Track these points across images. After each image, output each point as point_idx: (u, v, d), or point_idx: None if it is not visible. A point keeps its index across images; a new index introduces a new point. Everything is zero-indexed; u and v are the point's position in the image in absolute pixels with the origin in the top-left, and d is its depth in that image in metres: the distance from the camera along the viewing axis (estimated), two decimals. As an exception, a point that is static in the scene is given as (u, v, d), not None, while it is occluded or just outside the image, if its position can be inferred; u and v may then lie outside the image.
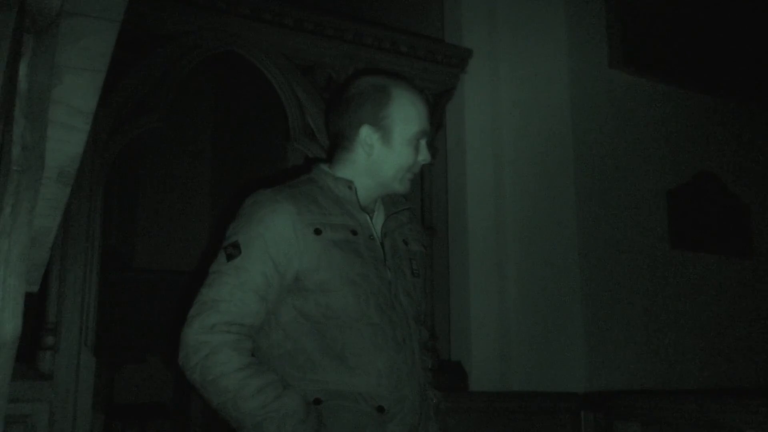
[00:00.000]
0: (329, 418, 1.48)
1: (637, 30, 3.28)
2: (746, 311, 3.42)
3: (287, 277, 1.51)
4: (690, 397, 2.08)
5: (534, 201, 3.12)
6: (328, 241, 1.53)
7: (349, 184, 1.61)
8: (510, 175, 3.19)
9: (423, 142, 1.65)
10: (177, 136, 4.99)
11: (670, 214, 3.22)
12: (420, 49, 3.09)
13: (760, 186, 3.58)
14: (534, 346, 2.97)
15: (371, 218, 1.64)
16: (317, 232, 1.53)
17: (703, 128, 3.45)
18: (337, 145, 1.68)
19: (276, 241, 1.51)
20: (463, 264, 3.14)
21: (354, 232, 1.57)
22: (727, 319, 3.35)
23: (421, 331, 1.69)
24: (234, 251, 1.51)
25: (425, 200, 3.07)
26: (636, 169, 3.18)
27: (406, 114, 1.62)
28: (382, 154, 1.61)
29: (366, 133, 1.61)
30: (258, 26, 2.75)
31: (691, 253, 3.28)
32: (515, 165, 3.18)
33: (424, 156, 1.64)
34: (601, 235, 3.02)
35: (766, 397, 1.83)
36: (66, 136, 1.02)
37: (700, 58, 3.48)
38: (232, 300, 1.48)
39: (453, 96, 3.22)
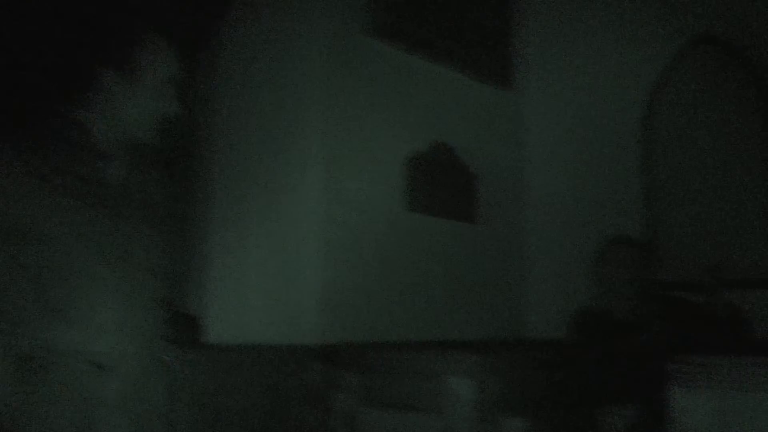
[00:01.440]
0: (40, 376, 1.41)
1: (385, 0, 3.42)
2: (470, 272, 3.77)
3: None
4: (406, 348, 2.26)
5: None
6: None
7: None
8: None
9: None
10: None
11: (407, 179, 3.45)
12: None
13: (487, 158, 3.93)
14: (270, 299, 3.04)
15: None
16: None
17: (443, 99, 3.70)
18: None
19: None
20: (202, 214, 3.12)
21: None
22: (453, 278, 3.67)
23: (152, 282, 1.66)
24: None
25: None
26: (378, 134, 3.35)
27: None
28: None
29: None
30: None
31: (425, 216, 3.54)
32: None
33: None
34: (343, 196, 3.15)
35: (468, 348, 2.05)
36: None
37: (439, 29, 3.71)
38: None
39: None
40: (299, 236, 3.08)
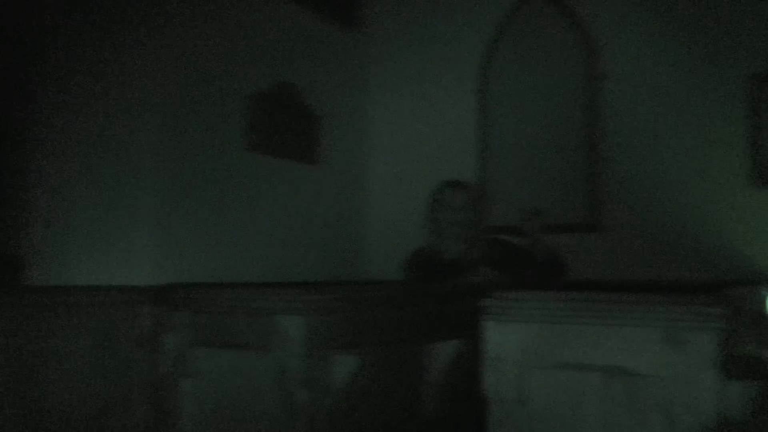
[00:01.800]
0: None
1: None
2: (309, 213, 3.79)
3: None
4: (233, 288, 2.25)
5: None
6: None
7: None
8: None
9: None
10: None
11: (248, 118, 3.38)
12: None
13: (331, 100, 3.93)
14: (98, 240, 2.93)
15: None
16: None
17: (287, 38, 3.64)
18: None
19: None
20: (23, 156, 2.93)
21: None
22: (293, 219, 3.67)
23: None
24: None
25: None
26: (218, 72, 3.25)
27: None
28: None
29: None
30: None
31: (265, 156, 3.49)
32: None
33: None
34: (180, 134, 3.05)
35: (296, 287, 2.07)
36: None
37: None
38: None
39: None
40: (134, 174, 2.96)
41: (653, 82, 3.56)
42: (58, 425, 2.35)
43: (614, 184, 3.60)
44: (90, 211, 3.03)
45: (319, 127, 3.83)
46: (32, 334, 2.37)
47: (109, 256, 2.96)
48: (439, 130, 4.09)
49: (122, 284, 2.81)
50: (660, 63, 3.55)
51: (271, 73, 3.52)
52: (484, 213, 3.81)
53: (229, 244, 3.27)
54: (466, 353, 2.86)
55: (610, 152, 3.62)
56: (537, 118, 3.84)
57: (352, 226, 4.12)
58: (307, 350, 1.98)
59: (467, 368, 2.79)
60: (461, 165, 3.91)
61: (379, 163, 4.24)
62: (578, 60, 3.74)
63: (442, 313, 2.56)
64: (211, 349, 2.16)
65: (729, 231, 3.34)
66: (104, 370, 2.62)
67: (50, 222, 2.98)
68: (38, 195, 3.03)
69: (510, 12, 3.92)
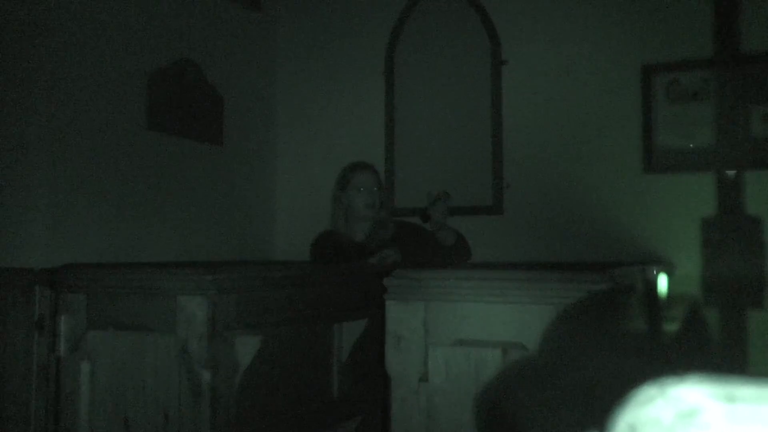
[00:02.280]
0: None
1: None
2: (216, 193, 3.73)
3: None
4: (132, 268, 2.21)
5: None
6: None
7: None
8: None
9: None
10: None
11: (148, 96, 3.29)
12: None
13: (235, 80, 3.87)
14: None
15: None
16: None
17: (190, 15, 3.56)
18: None
19: None
20: None
21: None
22: (198, 199, 3.61)
23: None
24: None
25: None
26: (116, 47, 3.15)
27: None
28: None
29: None
30: None
31: (168, 135, 3.41)
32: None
33: None
34: (75, 111, 2.94)
35: (196, 267, 2.04)
36: None
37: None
38: None
39: None
40: (27, 151, 2.84)
41: (551, 70, 3.67)
42: (-55, 412, 2.26)
43: (516, 168, 3.71)
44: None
45: (224, 107, 3.77)
46: None
47: (1, 236, 2.84)
48: (345, 112, 4.10)
49: (15, 266, 2.71)
50: (558, 51, 3.66)
51: (172, 52, 3.44)
52: (391, 195, 3.86)
53: (131, 226, 3.19)
54: (371, 332, 2.90)
55: (512, 137, 3.73)
56: (441, 102, 3.90)
57: (258, 207, 4.09)
58: (209, 330, 1.96)
59: (370, 345, 2.83)
60: (368, 147, 3.94)
61: (285, 145, 4.22)
62: (481, 46, 3.81)
63: (347, 292, 2.58)
64: (109, 331, 2.10)
65: (623, 215, 3.50)
66: (-4, 354, 2.53)
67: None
68: None
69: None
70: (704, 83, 3.40)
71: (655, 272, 2.47)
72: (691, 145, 3.40)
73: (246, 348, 2.14)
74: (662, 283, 2.47)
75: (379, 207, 3.23)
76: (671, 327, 1.99)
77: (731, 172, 3.30)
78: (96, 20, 3.05)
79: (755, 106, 3.30)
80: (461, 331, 1.67)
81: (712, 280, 3.25)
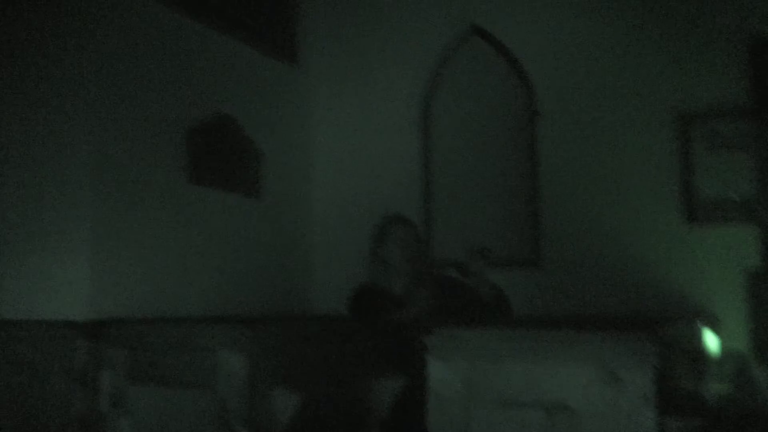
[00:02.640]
0: None
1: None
2: (253, 247, 3.75)
3: None
4: (174, 324, 2.22)
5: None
6: None
7: None
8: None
9: None
10: None
11: (189, 151, 3.34)
12: None
13: (272, 133, 3.92)
14: (30, 271, 2.85)
15: None
16: None
17: (228, 71, 3.63)
18: None
19: None
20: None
21: None
22: (235, 252, 3.63)
23: None
24: None
25: None
26: (159, 103, 3.22)
27: None
28: None
29: None
30: None
31: (207, 189, 3.46)
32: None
33: None
34: (118, 166, 3.00)
35: (236, 322, 2.04)
36: None
37: (231, 1, 3.64)
38: None
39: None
40: (69, 204, 2.89)
41: (587, 119, 3.67)
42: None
43: (553, 219, 3.68)
44: (22, 241, 2.94)
45: (261, 160, 3.81)
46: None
47: (43, 288, 2.88)
48: (382, 164, 4.12)
49: (56, 318, 2.73)
50: (593, 101, 3.66)
51: (212, 107, 3.50)
52: (429, 249, 3.85)
53: (169, 278, 3.21)
54: (410, 389, 2.86)
55: (549, 188, 3.71)
56: (478, 154, 3.90)
57: (295, 260, 4.10)
58: (249, 387, 1.96)
59: (411, 404, 2.79)
60: (405, 199, 3.95)
61: (322, 198, 4.25)
62: (515, 98, 3.83)
63: (386, 349, 2.56)
64: (149, 386, 2.11)
65: (664, 266, 3.44)
66: (39, 406, 2.54)
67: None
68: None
69: (450, 48, 4.00)
70: (743, 132, 3.37)
71: (700, 328, 2.41)
72: (733, 196, 3.35)
73: (285, 405, 2.13)
74: (708, 339, 2.42)
75: (417, 260, 3.21)
76: (719, 385, 1.94)
77: (775, 224, 3.24)
78: (138, 76, 3.12)
79: (798, 157, 3.25)
80: (504, 392, 1.64)
81: (759, 334, 3.16)
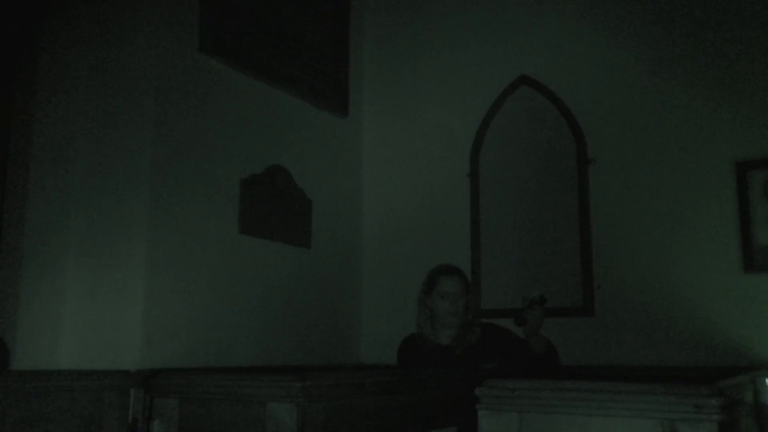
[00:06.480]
0: None
1: (228, 18, 3.39)
2: (303, 297, 3.77)
3: None
4: (224, 374, 2.23)
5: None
6: None
7: None
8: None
9: None
10: None
11: (241, 202, 3.40)
12: None
13: (322, 183, 3.97)
14: (86, 321, 2.90)
15: None
16: None
17: (278, 123, 3.71)
18: None
19: None
20: (14, 237, 2.93)
21: None
22: (285, 302, 3.65)
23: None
24: None
25: None
26: (213, 155, 3.29)
27: None
28: None
29: None
30: None
31: (258, 239, 3.50)
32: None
33: None
34: (172, 216, 3.06)
35: (289, 373, 2.04)
36: None
37: (279, 54, 3.72)
38: None
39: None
40: (124, 255, 2.96)
41: (639, 167, 3.62)
42: None
43: (606, 268, 3.61)
44: (79, 292, 3.01)
45: (312, 211, 3.85)
46: (20, 419, 2.33)
47: (98, 337, 2.93)
48: (431, 214, 4.12)
49: (111, 368, 2.77)
50: (645, 148, 3.62)
51: (264, 158, 3.57)
52: (478, 298, 3.81)
53: (220, 327, 3.24)
54: (460, 441, 2.81)
55: (601, 236, 3.65)
56: (528, 201, 3.88)
57: (345, 310, 4.10)
58: (299, 439, 1.94)
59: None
60: (454, 249, 3.93)
61: (371, 247, 4.26)
62: (566, 145, 3.81)
63: (436, 400, 2.53)
64: (200, 436, 2.11)
65: (720, 316, 3.34)
66: (90, 458, 2.56)
67: (38, 304, 2.96)
68: (25, 276, 3.01)
69: (499, 96, 4.02)
70: (802, 179, 3.29)
71: (763, 381, 2.33)
72: (793, 244, 3.26)
73: (335, 456, 2.10)
74: (772, 392, 2.33)
75: (464, 312, 3.17)
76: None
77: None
78: (199, 132, 3.20)
79: None
80: (558, 445, 1.60)
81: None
